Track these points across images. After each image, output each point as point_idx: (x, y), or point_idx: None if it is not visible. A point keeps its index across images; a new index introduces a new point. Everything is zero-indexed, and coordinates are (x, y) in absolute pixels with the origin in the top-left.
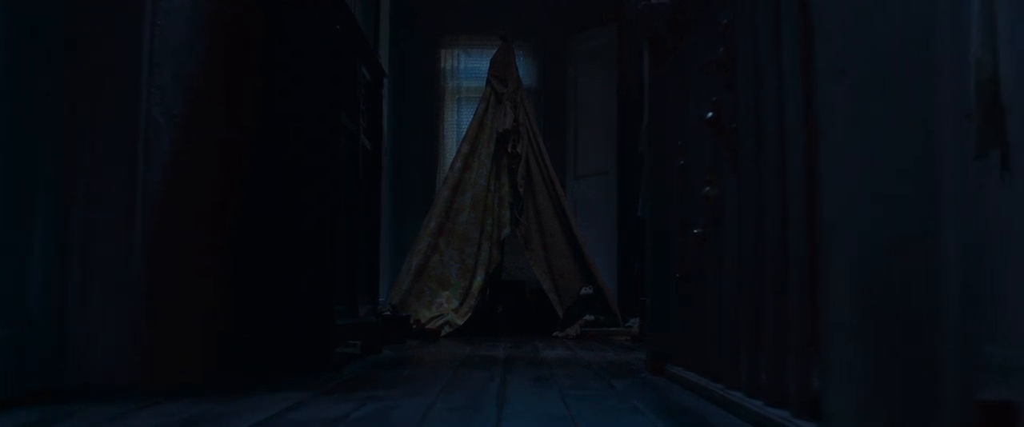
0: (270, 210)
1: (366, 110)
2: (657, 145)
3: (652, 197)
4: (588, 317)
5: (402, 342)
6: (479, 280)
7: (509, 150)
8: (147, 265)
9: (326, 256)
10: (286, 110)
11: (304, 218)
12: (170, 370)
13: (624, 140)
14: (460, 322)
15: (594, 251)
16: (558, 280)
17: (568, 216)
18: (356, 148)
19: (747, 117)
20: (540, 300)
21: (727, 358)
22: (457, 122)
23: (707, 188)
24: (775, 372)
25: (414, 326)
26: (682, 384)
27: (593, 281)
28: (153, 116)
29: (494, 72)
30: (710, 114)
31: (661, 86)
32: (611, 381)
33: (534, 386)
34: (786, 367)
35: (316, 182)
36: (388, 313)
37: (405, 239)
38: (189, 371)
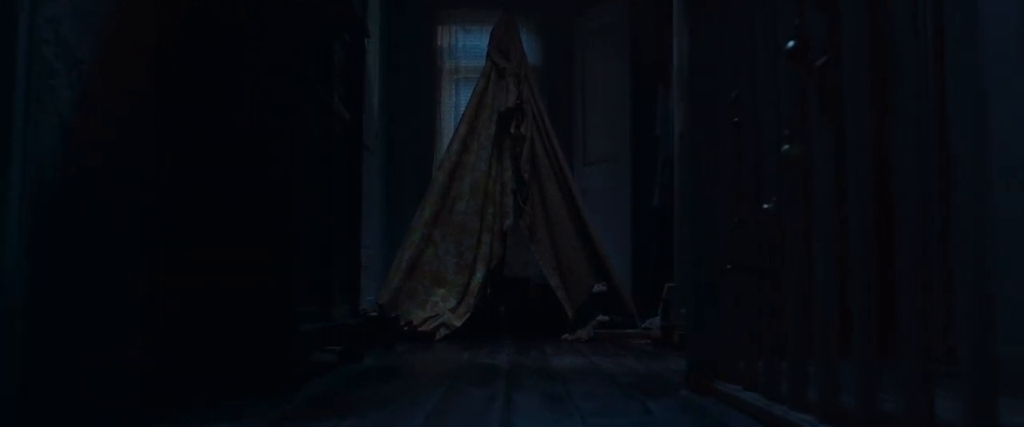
0: (211, 188)
1: (343, 74)
2: (697, 104)
3: (691, 169)
4: (601, 317)
5: (391, 347)
6: (479, 276)
7: (512, 131)
8: (29, 265)
9: (285, 245)
10: (235, 64)
11: (255, 198)
12: (63, 406)
13: (637, 124)
14: (457, 323)
15: (605, 244)
16: (567, 276)
17: (578, 205)
18: (330, 117)
19: (856, 39)
20: (547, 298)
21: (822, 378)
22: (455, 104)
23: (786, 146)
24: (913, 402)
25: (405, 328)
26: (742, 409)
27: (606, 277)
28: (42, 56)
29: (495, 45)
30: (792, 44)
31: (702, 30)
32: (646, 402)
33: (547, 411)
34: (933, 395)
35: (272, 154)
36: (374, 314)
37: (399, 232)
38: (94, 402)
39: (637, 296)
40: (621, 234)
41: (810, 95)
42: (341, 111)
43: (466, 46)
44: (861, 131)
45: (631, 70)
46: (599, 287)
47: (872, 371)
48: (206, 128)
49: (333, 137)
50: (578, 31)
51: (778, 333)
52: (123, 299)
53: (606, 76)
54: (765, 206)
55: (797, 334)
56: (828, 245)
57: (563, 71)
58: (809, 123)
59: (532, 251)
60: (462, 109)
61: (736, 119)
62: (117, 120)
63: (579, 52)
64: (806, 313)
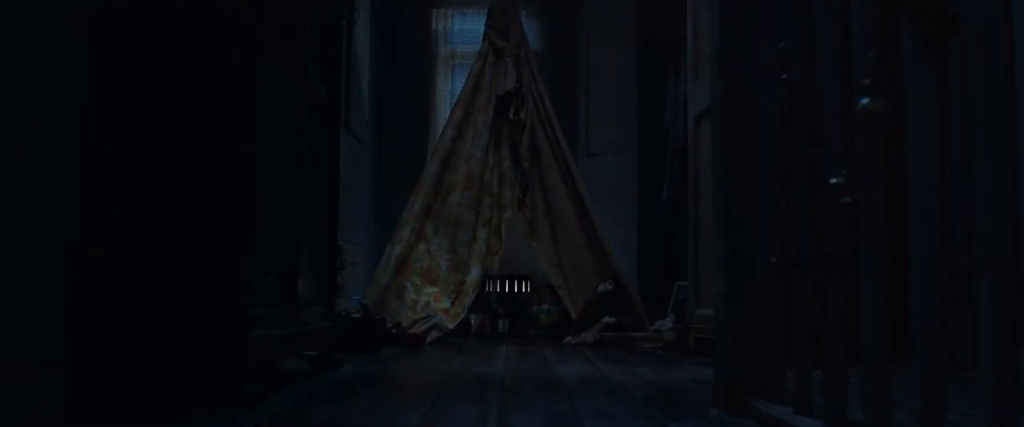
0: (136, 165)
1: (319, 45)
2: (727, 64)
3: (724, 144)
4: (607, 319)
5: (376, 351)
6: (474, 275)
7: (511, 116)
8: None
9: (233, 236)
10: (183, 23)
11: (194, 181)
12: None
13: (645, 112)
14: (450, 325)
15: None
16: (570, 274)
17: (582, 197)
18: (299, 91)
19: None
20: (548, 298)
21: (928, 402)
22: (451, 91)
23: (865, 100)
24: None
25: (393, 330)
26: None
27: (613, 275)
28: None
29: (493, 23)
30: None
31: None
32: (668, 425)
33: None
34: None
35: (224, 127)
36: (357, 315)
37: (390, 227)
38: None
39: (644, 296)
40: (627, 230)
41: (901, 30)
42: (314, 85)
43: (463, 30)
44: (995, 65)
45: (638, 55)
46: (605, 286)
47: (1013, 393)
48: (148, 95)
49: (303, 113)
50: (581, 15)
51: (843, 341)
52: (39, 294)
53: (611, 62)
54: (833, 181)
55: (876, 344)
56: (929, 227)
57: (566, 57)
58: (898, 67)
59: (532, 247)
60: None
61: (784, 76)
62: (32, 85)
63: (582, 37)
64: (888, 318)
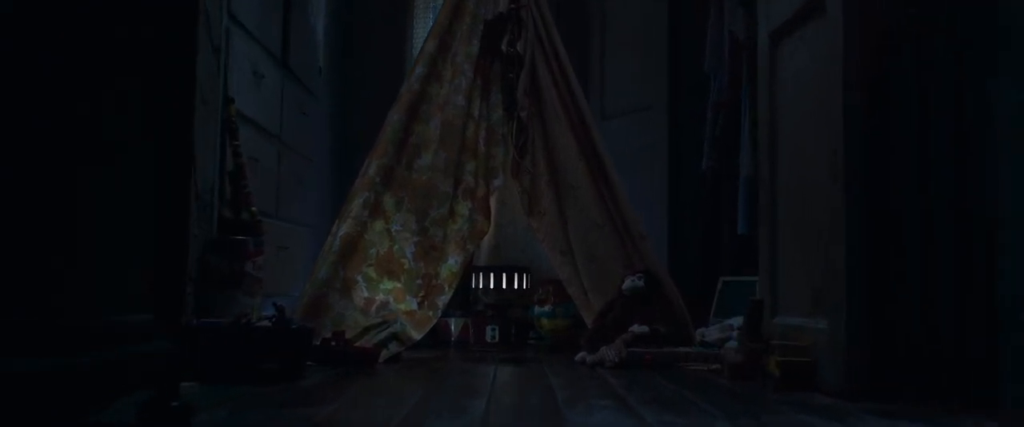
0: None
1: None
2: None
3: None
4: (637, 328)
5: (288, 379)
6: (452, 264)
7: (504, 49)
8: None
9: None
10: None
11: None
12: None
13: (678, 60)
14: (416, 335)
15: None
16: (585, 264)
17: (603, 158)
18: None
19: None
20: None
21: None
22: None
23: None
24: None
25: (332, 343)
26: None
27: (645, 267)
28: None
29: None
30: None
31: None
32: None
33: None
34: None
35: None
36: (266, 323)
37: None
38: None
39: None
40: (655, 208)
41: None
42: None
43: None
44: None
45: None
46: (633, 281)
47: None
48: None
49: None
50: None
51: None
52: None
53: (634, 3)
54: None
55: None
56: None
57: None
58: None
59: (532, 227)
60: None
61: None
62: None
63: None
64: None
